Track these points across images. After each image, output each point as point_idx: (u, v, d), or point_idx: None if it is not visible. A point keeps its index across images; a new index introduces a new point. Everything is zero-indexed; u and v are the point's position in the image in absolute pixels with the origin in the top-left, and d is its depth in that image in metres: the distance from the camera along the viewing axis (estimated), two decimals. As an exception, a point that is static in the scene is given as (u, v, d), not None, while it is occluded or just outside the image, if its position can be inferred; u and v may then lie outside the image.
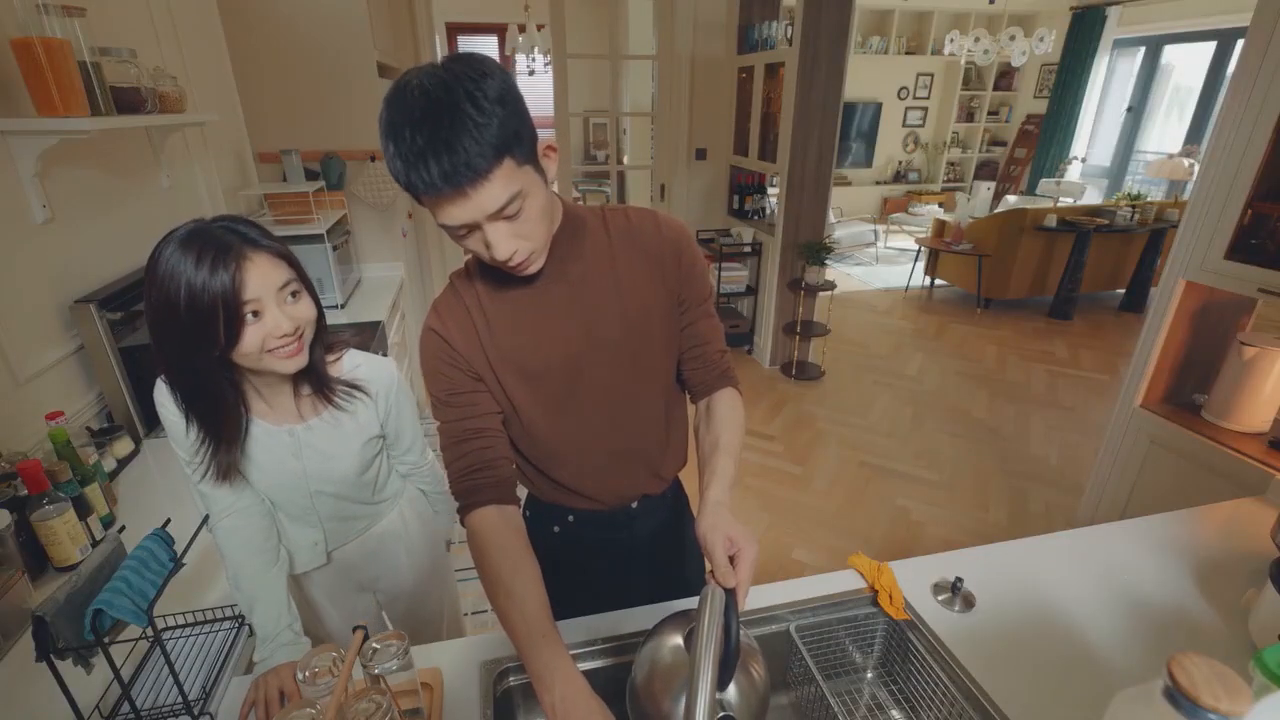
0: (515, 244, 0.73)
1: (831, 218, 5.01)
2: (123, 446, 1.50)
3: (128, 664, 0.92)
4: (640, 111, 5.87)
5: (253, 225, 0.89)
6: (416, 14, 3.44)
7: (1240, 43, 3.69)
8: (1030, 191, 7.48)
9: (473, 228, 0.71)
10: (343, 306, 2.61)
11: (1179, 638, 0.97)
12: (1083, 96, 7.09)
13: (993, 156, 8.64)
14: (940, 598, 1.04)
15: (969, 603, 1.03)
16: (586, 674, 0.71)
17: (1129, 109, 6.88)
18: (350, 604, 1.25)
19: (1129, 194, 5.33)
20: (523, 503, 1.02)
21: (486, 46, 7.38)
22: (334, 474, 1.07)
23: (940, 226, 5.68)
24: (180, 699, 0.84)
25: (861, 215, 7.98)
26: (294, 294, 0.90)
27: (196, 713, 0.86)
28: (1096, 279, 5.25)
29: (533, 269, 0.79)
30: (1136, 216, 4.97)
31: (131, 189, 1.84)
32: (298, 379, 0.99)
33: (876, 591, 1.05)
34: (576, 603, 1.02)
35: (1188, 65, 6.33)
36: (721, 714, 0.70)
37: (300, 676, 0.71)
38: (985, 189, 5.91)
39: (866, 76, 7.65)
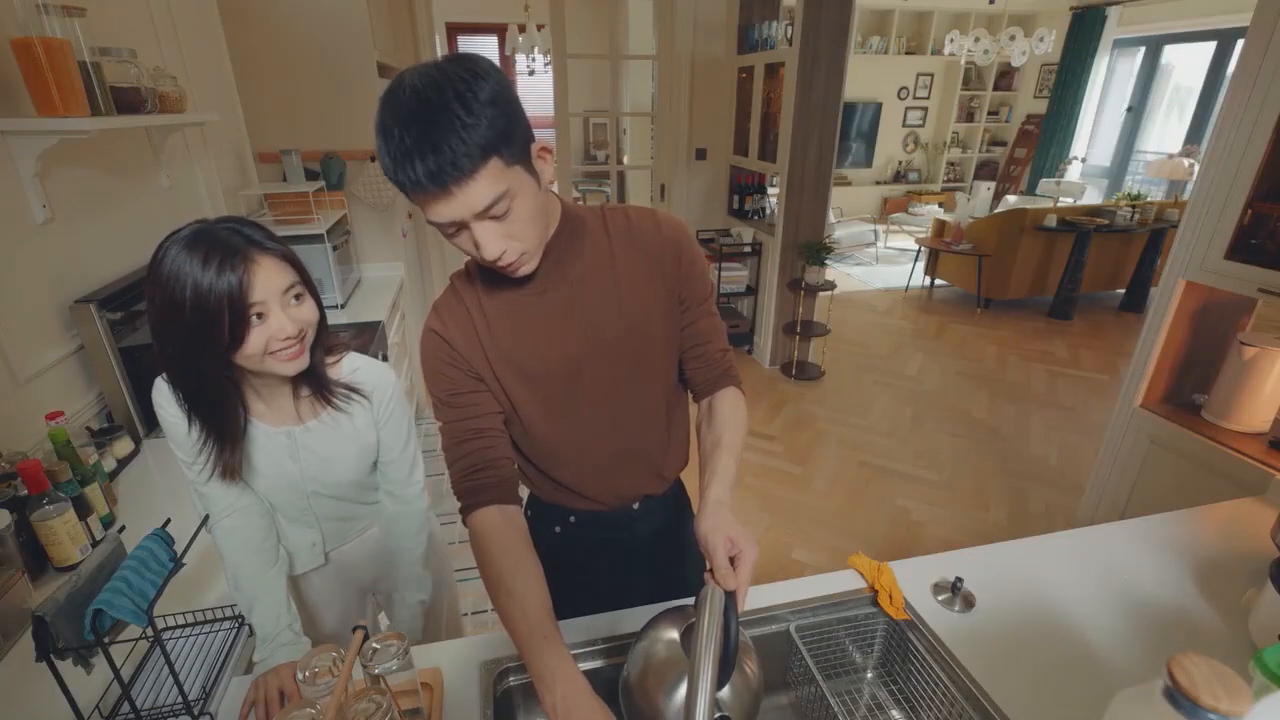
0: (504, 244, 0.73)
1: (831, 218, 5.01)
2: (123, 446, 1.50)
3: (128, 664, 0.92)
4: (640, 111, 5.87)
5: (257, 227, 0.89)
6: (416, 14, 3.44)
7: (1240, 43, 3.69)
8: (1030, 191, 7.48)
9: (461, 226, 0.71)
10: (343, 306, 2.61)
11: (1179, 638, 0.97)
12: (1083, 96, 7.09)
13: (993, 156, 8.64)
14: (940, 598, 1.04)
15: (969, 603, 1.03)
16: (586, 674, 0.71)
17: (1129, 109, 6.88)
18: (349, 605, 1.25)
19: (1129, 194, 5.34)
20: (524, 503, 1.02)
21: (486, 46, 7.38)
22: (330, 476, 1.06)
23: (940, 226, 5.68)
24: (180, 699, 0.84)
25: (861, 215, 7.97)
26: (298, 297, 0.90)
27: (196, 713, 0.86)
28: (1096, 279, 5.25)
29: (525, 270, 0.79)
30: (1136, 216, 4.97)
31: (131, 189, 1.84)
32: (297, 381, 0.99)
33: (876, 591, 1.05)
34: (577, 603, 1.02)
35: (1188, 65, 6.33)
36: (718, 715, 0.70)
37: (300, 676, 0.71)
38: (985, 189, 5.91)
39: (866, 76, 7.65)
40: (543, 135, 0.76)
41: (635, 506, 1.05)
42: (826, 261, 3.83)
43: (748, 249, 4.18)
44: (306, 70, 2.73)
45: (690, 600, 0.92)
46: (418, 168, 0.65)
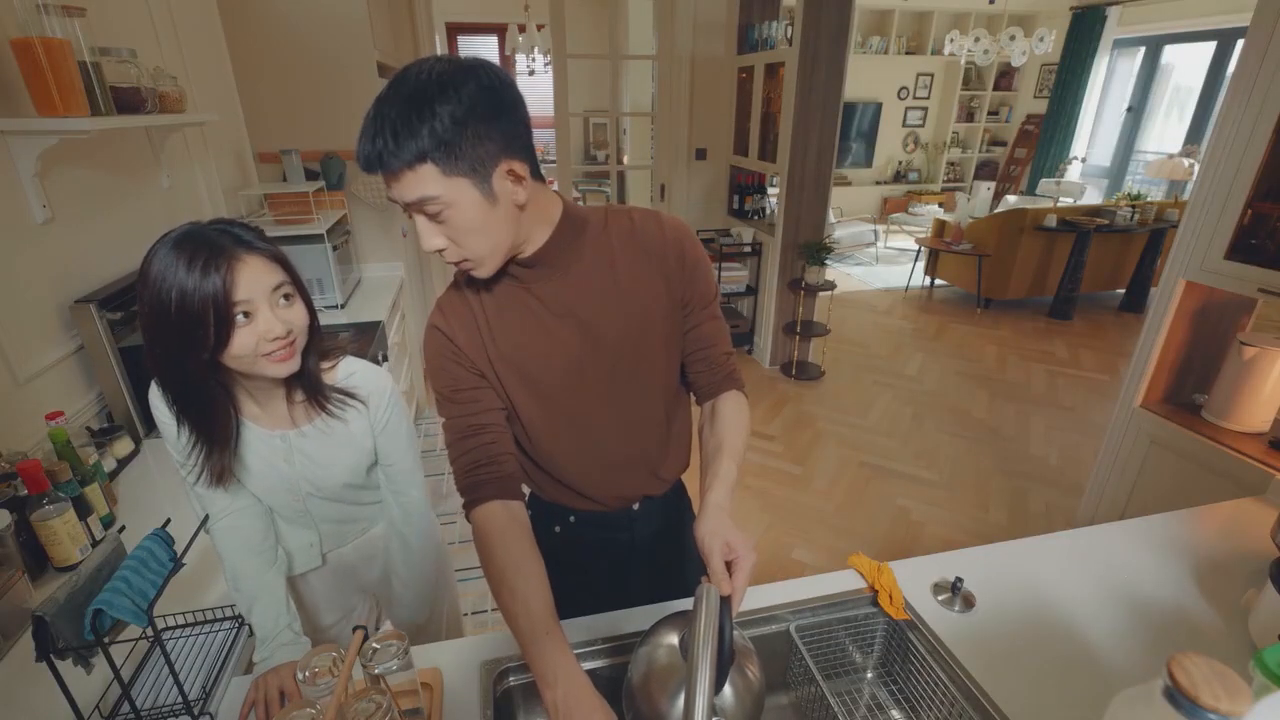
0: (440, 242, 0.76)
1: (831, 218, 5.00)
2: (123, 446, 1.50)
3: (128, 664, 0.92)
4: (640, 111, 5.87)
5: (247, 227, 0.88)
6: (416, 14, 3.44)
7: (1240, 43, 3.69)
8: (1030, 191, 7.48)
9: (406, 209, 0.74)
10: (343, 306, 2.60)
11: (1179, 638, 0.97)
12: (1083, 96, 7.09)
13: (993, 156, 8.64)
14: (940, 598, 1.04)
15: (969, 603, 1.03)
16: (587, 674, 0.71)
17: (1129, 109, 6.88)
18: (349, 605, 1.25)
19: (1129, 194, 5.34)
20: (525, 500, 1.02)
21: (486, 47, 7.38)
22: (325, 480, 1.06)
23: (940, 226, 5.68)
24: (180, 699, 0.84)
25: (861, 215, 7.97)
26: (286, 297, 0.89)
27: (196, 713, 0.86)
28: (1096, 279, 5.25)
29: (477, 274, 0.81)
30: (1136, 216, 4.97)
31: (131, 189, 1.84)
32: (291, 385, 0.98)
33: (876, 591, 1.05)
34: (577, 602, 1.02)
35: (1188, 65, 6.33)
36: (715, 718, 0.70)
37: (300, 676, 0.71)
38: (985, 189, 5.91)
39: (866, 76, 7.65)
40: (542, 136, 0.76)
41: (635, 507, 1.05)
42: (826, 261, 3.83)
43: (748, 249, 4.18)
44: (306, 70, 2.73)
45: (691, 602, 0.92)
46: (364, 147, 0.70)
